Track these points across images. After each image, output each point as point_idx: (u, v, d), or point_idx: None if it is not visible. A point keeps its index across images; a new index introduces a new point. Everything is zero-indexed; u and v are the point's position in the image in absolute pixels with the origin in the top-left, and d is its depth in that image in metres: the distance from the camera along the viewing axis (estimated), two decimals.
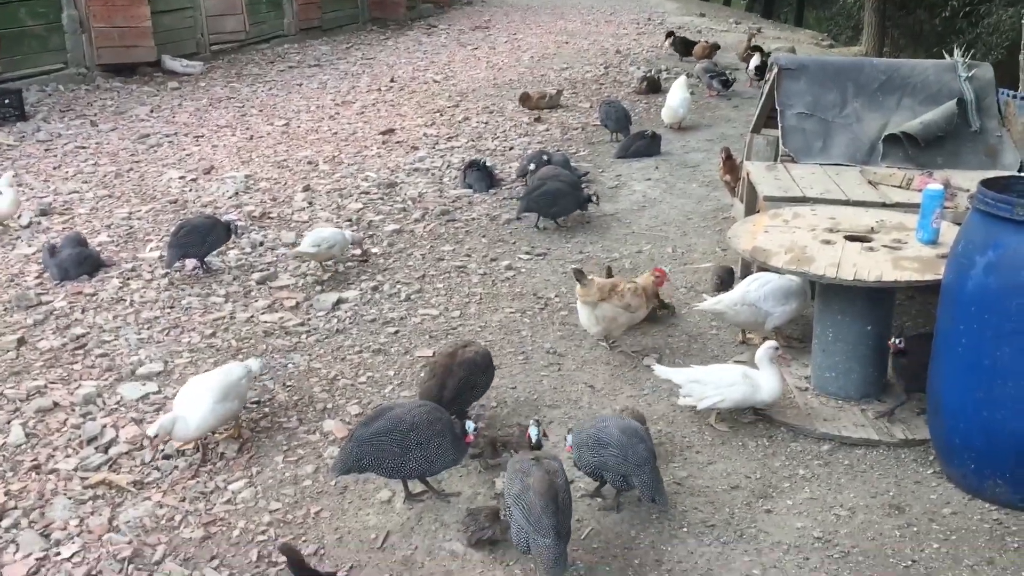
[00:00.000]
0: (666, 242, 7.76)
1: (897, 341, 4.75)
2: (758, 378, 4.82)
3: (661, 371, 5.08)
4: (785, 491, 4.45)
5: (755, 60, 13.39)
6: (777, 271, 4.98)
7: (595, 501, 4.32)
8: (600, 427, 4.14)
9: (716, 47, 15.67)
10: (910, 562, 3.95)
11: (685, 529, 4.16)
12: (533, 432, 4.13)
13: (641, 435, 4.14)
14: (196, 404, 4.52)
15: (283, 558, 3.54)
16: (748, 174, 6.75)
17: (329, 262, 7.02)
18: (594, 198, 8.05)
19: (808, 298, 5.64)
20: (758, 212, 6.14)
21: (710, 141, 10.92)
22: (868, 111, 7.03)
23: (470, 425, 4.29)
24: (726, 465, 4.65)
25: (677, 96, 11.41)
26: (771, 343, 4.89)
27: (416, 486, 4.37)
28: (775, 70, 7.28)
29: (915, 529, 4.15)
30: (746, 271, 6.35)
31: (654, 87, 13.44)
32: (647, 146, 10.26)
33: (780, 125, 7.07)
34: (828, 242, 5.09)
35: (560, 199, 7.83)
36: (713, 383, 4.82)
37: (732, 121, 11.86)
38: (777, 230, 5.30)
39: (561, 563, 3.54)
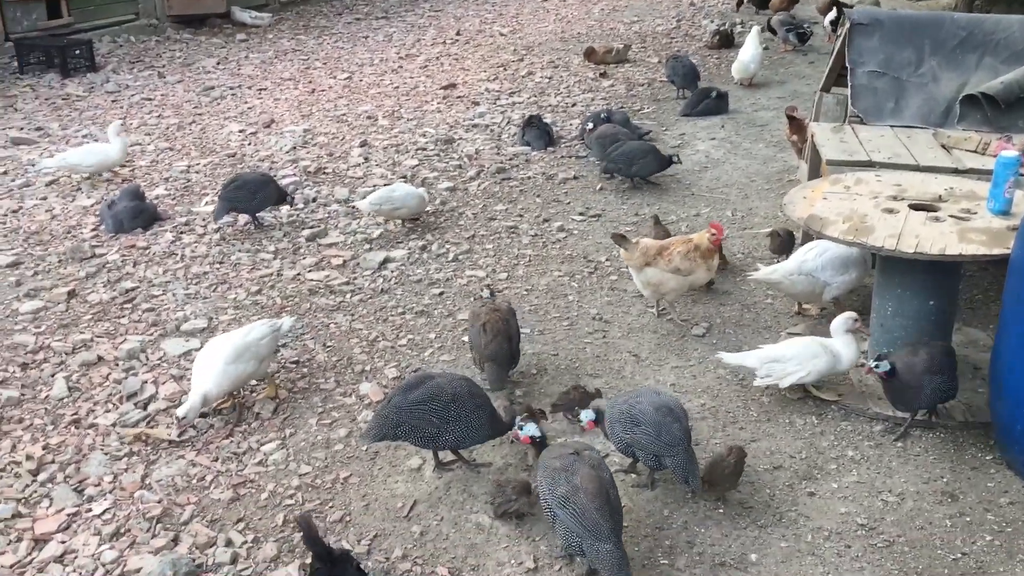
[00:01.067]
0: (726, 205, 7.48)
1: (875, 365, 4.38)
2: (837, 347, 4.63)
3: (730, 359, 4.78)
4: (831, 473, 4.24)
5: (833, 14, 12.78)
6: (832, 241, 4.71)
7: (628, 477, 4.18)
8: (633, 403, 3.98)
9: (795, 0, 15.02)
10: (960, 555, 3.73)
11: (721, 510, 4.00)
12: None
13: (676, 413, 3.96)
14: (208, 368, 4.51)
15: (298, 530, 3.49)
16: (812, 135, 6.42)
17: (399, 220, 7.01)
18: (675, 158, 7.80)
19: (869, 268, 5.35)
20: (820, 177, 5.83)
21: (781, 99, 10.49)
22: (945, 70, 6.60)
23: (529, 429, 4.04)
24: (770, 443, 4.45)
25: (749, 51, 10.98)
26: (849, 313, 4.66)
27: (447, 455, 4.29)
28: (847, 25, 6.88)
29: (968, 519, 3.92)
30: (807, 238, 6.06)
31: (727, 41, 12.97)
32: (714, 104, 9.90)
33: (850, 84, 6.69)
34: (891, 211, 4.79)
35: (639, 158, 7.66)
36: (795, 358, 4.60)
37: (807, 78, 11.36)
38: (837, 197, 5.01)
39: (625, 567, 3.34)
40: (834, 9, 12.89)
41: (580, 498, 3.42)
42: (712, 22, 14.49)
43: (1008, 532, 3.85)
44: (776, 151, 8.73)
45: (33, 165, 8.05)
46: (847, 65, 6.75)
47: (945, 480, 4.17)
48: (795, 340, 4.83)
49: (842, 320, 4.64)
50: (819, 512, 3.98)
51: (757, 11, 15.26)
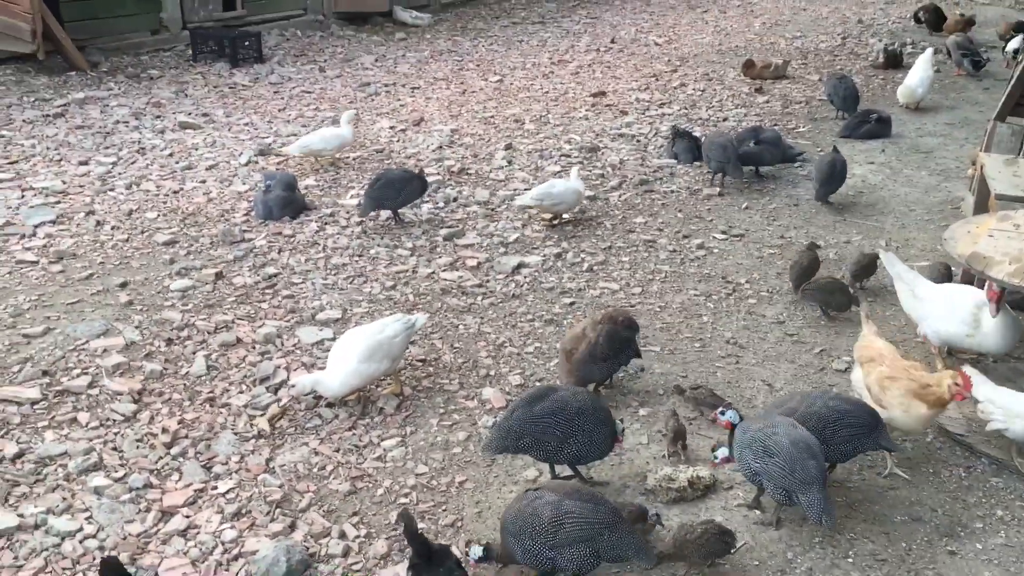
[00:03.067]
0: (880, 234, 7.09)
1: (720, 411, 4.01)
2: None
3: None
4: (976, 532, 3.93)
5: (1016, 41, 11.96)
6: (999, 283, 4.36)
7: (752, 514, 3.99)
8: (769, 433, 3.78)
9: (971, 22, 14.19)
10: None
11: (850, 560, 3.76)
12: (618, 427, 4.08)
13: (813, 450, 3.75)
14: (341, 363, 4.58)
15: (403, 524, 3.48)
16: (982, 167, 5.99)
17: (561, 214, 7.20)
18: (799, 157, 7.99)
19: (976, 332, 4.79)
20: (988, 212, 5.44)
21: (950, 125, 9.91)
22: None
23: (619, 426, 4.09)
24: (910, 493, 4.16)
25: (918, 74, 10.42)
26: None
27: (564, 470, 4.20)
28: None
29: None
30: (967, 277, 5.65)
31: (894, 61, 12.37)
32: (876, 128, 9.44)
33: None
34: None
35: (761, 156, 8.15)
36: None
37: (979, 104, 10.69)
38: (1004, 235, 4.64)
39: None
40: (1018, 36, 12.08)
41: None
42: (880, 41, 13.84)
43: None
44: (940, 180, 8.23)
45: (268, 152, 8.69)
46: None
47: None
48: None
49: None
50: (960, 573, 3.69)
51: (931, 32, 14.48)
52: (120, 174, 7.98)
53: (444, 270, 6.39)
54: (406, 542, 3.27)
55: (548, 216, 7.20)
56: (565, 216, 7.22)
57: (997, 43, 13.30)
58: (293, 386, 4.65)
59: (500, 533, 3.61)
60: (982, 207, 5.88)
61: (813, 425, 3.96)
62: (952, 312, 4.78)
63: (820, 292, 5.67)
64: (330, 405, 4.78)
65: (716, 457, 3.97)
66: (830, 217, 7.42)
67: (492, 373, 5.14)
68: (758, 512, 4.01)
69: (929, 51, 10.82)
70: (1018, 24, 13.10)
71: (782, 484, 3.72)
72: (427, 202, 7.48)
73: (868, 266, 6.05)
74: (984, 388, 4.32)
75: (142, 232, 6.83)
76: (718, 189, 7.93)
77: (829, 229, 7.18)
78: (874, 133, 9.43)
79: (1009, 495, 4.15)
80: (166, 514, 3.98)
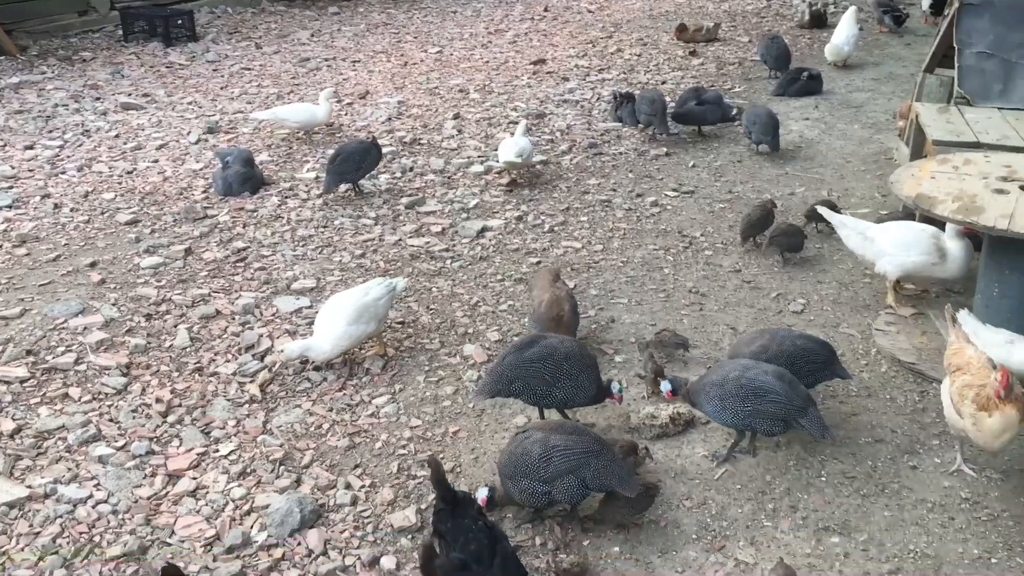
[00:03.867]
0: (821, 185, 7.46)
1: (665, 384, 4.26)
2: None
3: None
4: (933, 449, 4.28)
5: None
6: (943, 220, 4.70)
7: (729, 440, 4.26)
8: (752, 377, 4.02)
9: None
10: None
11: (823, 478, 4.08)
12: (614, 388, 4.29)
13: (794, 379, 4.08)
14: (330, 327, 4.72)
15: (426, 470, 3.66)
16: (917, 116, 6.37)
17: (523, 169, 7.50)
18: (735, 111, 8.35)
19: (936, 261, 5.17)
20: (925, 157, 5.81)
21: (876, 80, 10.36)
22: None
23: (616, 387, 4.30)
24: (871, 418, 4.50)
25: (843, 32, 10.83)
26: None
27: (552, 414, 4.43)
28: (956, 5, 6.78)
29: None
30: (910, 217, 6.02)
31: (819, 21, 12.80)
32: (807, 85, 9.82)
33: (957, 65, 6.62)
34: (1001, 191, 4.77)
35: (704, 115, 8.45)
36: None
37: (903, 60, 11.18)
38: (945, 176, 5.00)
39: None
40: None
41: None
42: (804, 1, 14.25)
43: None
44: (872, 132, 8.65)
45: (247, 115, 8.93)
46: (954, 45, 6.67)
47: None
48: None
49: None
50: (922, 485, 4.03)
51: None
52: (69, 157, 7.91)
53: (410, 237, 6.54)
54: (433, 487, 3.43)
55: (505, 181, 7.38)
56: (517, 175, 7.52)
57: (915, 0, 13.85)
58: (281, 351, 4.78)
59: (499, 478, 3.82)
60: (918, 153, 6.25)
61: (783, 363, 4.26)
62: (916, 244, 5.14)
63: (783, 236, 6.02)
64: (317, 369, 4.92)
65: (663, 391, 4.25)
66: (773, 171, 7.76)
67: (470, 331, 5.33)
68: (735, 456, 4.22)
69: (852, 9, 11.23)
70: None
71: (780, 417, 3.99)
72: (384, 173, 7.60)
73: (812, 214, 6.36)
74: (970, 324, 4.60)
75: (102, 213, 6.82)
76: (664, 149, 8.20)
77: (773, 183, 7.52)
78: (807, 90, 9.81)
79: None
80: (173, 477, 4.10)
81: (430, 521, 3.56)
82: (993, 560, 3.64)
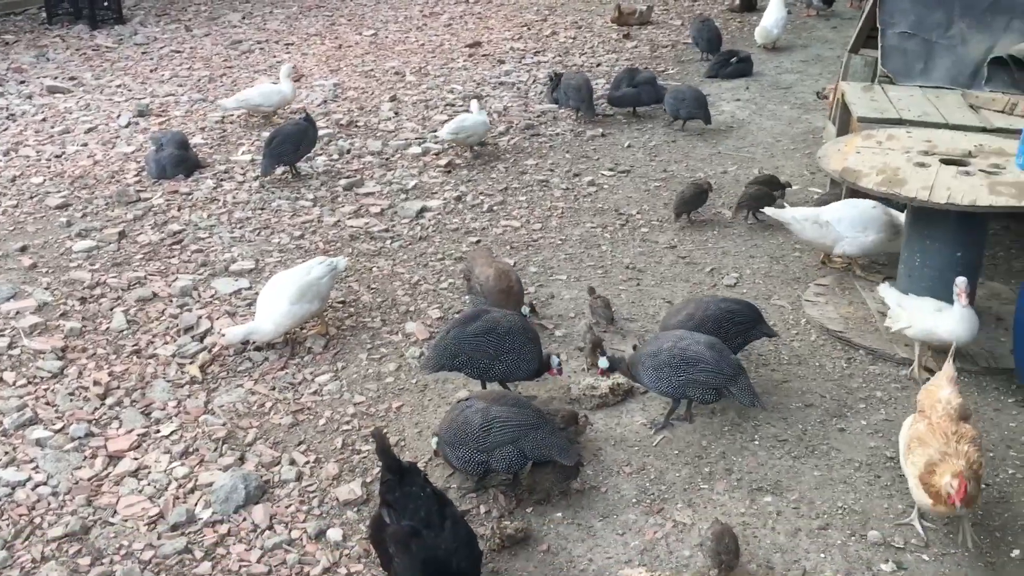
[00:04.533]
0: (752, 163, 7.64)
1: (603, 361, 4.32)
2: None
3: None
4: (860, 412, 4.46)
5: None
6: (867, 192, 4.88)
7: (667, 408, 4.38)
8: (684, 347, 4.14)
9: None
10: (984, 485, 3.93)
11: (756, 442, 4.22)
12: (553, 361, 4.37)
13: (724, 348, 4.20)
14: (272, 306, 4.72)
15: (371, 443, 3.69)
16: (843, 95, 6.56)
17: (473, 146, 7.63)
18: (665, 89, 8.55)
19: (892, 235, 5.46)
20: (851, 133, 6.00)
21: (804, 62, 10.61)
22: (974, 32, 6.72)
23: (555, 360, 4.38)
24: (801, 384, 4.66)
25: (772, 16, 11.06)
26: None
27: (493, 387, 4.50)
28: None
29: (991, 455, 4.13)
30: (836, 189, 6.24)
31: (749, 5, 13.04)
32: (738, 67, 10.02)
33: (880, 45, 6.83)
34: (922, 165, 4.96)
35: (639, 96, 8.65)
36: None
37: (830, 42, 11.46)
38: (870, 151, 5.18)
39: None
40: None
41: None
42: None
43: None
44: (800, 112, 8.87)
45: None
46: (877, 26, 6.88)
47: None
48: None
49: None
50: (849, 446, 4.20)
51: None
52: None
53: (349, 218, 6.53)
54: (379, 459, 3.47)
55: (444, 162, 7.41)
56: (468, 153, 7.60)
57: None
58: (223, 335, 4.76)
59: (437, 445, 3.88)
60: (844, 130, 6.45)
61: (711, 327, 4.40)
62: (872, 223, 5.36)
63: (751, 199, 6.31)
64: (258, 349, 4.91)
65: (600, 367, 4.33)
66: (706, 151, 7.92)
67: (412, 309, 5.37)
68: (671, 425, 4.35)
69: None
70: None
71: (712, 384, 4.12)
72: (321, 155, 7.57)
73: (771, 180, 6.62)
74: (892, 294, 4.82)
75: (31, 197, 6.67)
76: (600, 130, 8.31)
77: (707, 162, 7.67)
78: (738, 72, 10.01)
79: (885, 379, 4.70)
80: (113, 458, 4.07)
81: (377, 492, 3.60)
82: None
